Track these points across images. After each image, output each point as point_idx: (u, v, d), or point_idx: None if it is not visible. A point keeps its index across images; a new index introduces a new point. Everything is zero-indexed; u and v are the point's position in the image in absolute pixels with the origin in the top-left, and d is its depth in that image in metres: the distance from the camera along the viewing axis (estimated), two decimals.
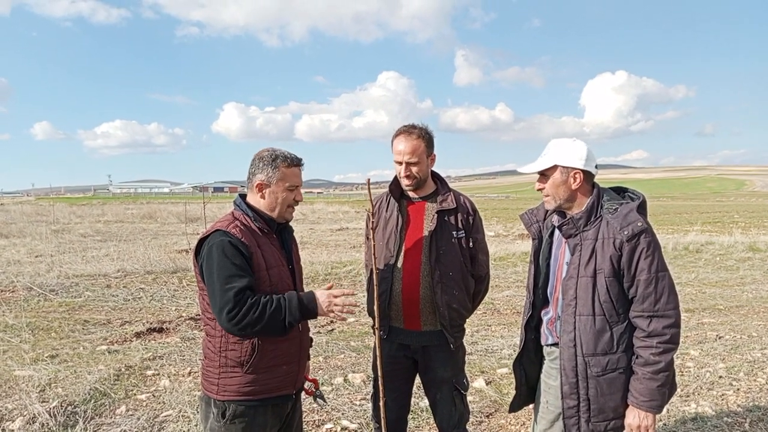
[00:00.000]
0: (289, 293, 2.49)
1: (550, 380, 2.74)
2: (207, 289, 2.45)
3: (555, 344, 2.69)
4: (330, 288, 2.57)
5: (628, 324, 2.51)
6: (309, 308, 2.48)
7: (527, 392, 2.92)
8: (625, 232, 2.43)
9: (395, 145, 3.07)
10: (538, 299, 2.77)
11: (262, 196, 2.60)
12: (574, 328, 2.53)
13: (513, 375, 2.97)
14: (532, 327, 2.82)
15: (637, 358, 2.48)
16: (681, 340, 6.77)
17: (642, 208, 2.55)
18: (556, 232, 2.70)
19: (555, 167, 2.57)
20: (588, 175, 2.58)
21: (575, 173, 2.55)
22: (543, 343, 2.79)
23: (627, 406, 2.53)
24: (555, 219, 2.71)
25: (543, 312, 2.78)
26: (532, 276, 2.79)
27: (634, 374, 2.49)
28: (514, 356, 2.84)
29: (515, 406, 2.99)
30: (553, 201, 2.61)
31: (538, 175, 2.64)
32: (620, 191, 2.69)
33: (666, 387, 2.48)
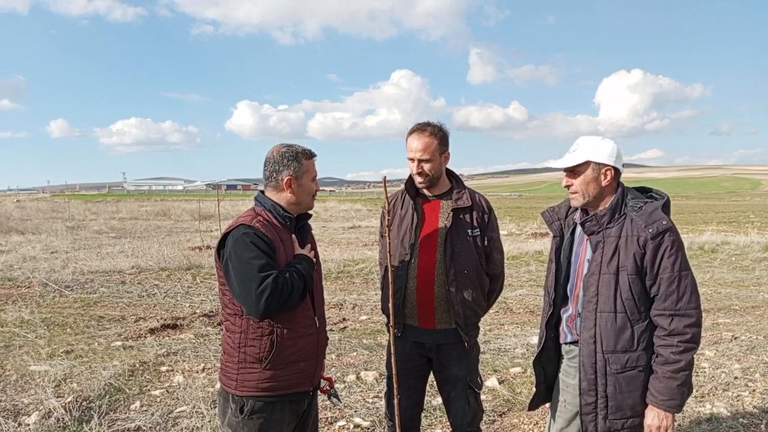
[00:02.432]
0: (298, 262, 2.57)
1: (569, 378, 2.73)
2: (235, 280, 2.44)
3: (574, 342, 2.68)
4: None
5: (648, 322, 2.50)
6: (310, 266, 2.61)
7: (545, 390, 2.91)
8: (650, 230, 2.42)
9: (408, 142, 3.08)
10: (558, 297, 2.75)
11: (292, 192, 2.64)
12: (595, 325, 2.52)
13: (526, 374, 2.97)
14: (552, 325, 2.80)
15: (657, 356, 2.47)
16: None
17: (666, 208, 2.55)
18: (578, 229, 2.69)
19: (587, 163, 2.54)
20: (617, 173, 2.58)
21: (607, 170, 2.54)
22: (562, 341, 2.77)
23: (645, 404, 2.52)
24: (577, 216, 2.69)
25: (562, 310, 2.76)
26: (552, 274, 2.76)
27: (654, 373, 2.48)
28: (528, 355, 2.84)
29: (534, 405, 2.98)
30: (582, 198, 2.58)
31: (564, 172, 2.62)
32: (644, 191, 2.69)
33: (686, 386, 2.47)
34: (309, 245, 2.73)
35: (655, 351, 2.48)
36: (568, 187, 2.61)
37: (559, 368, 2.84)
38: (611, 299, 2.49)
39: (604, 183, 2.55)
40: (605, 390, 2.52)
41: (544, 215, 2.86)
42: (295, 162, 2.63)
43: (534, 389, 2.99)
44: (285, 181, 2.62)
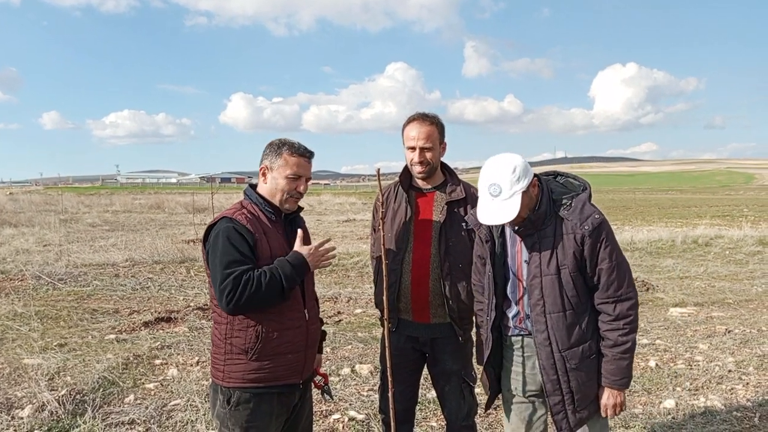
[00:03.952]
0: (278, 260, 2.51)
1: (517, 367, 2.74)
2: (211, 274, 2.49)
3: (521, 335, 2.70)
4: (302, 238, 2.65)
5: (590, 310, 2.59)
6: (304, 270, 2.55)
7: (497, 388, 2.89)
8: (587, 227, 2.48)
9: (408, 131, 3.05)
10: (500, 300, 2.73)
11: (265, 181, 2.66)
12: (547, 327, 2.56)
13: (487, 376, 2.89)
14: (496, 327, 2.78)
15: (605, 340, 2.57)
16: (690, 333, 6.72)
17: (590, 197, 2.61)
18: (507, 230, 2.69)
19: (528, 186, 2.47)
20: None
21: (533, 185, 2.51)
22: (508, 334, 2.76)
23: (599, 387, 2.61)
24: None
25: (507, 310, 2.74)
26: (491, 279, 2.71)
27: (605, 357, 2.58)
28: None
29: (490, 405, 3.00)
30: (524, 217, 2.53)
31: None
32: (555, 176, 2.74)
33: (632, 363, 2.59)
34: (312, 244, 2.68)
35: (603, 336, 2.58)
36: (513, 220, 2.49)
37: (500, 362, 2.84)
38: (558, 299, 2.54)
39: (534, 194, 2.53)
40: (569, 386, 2.57)
41: (470, 220, 2.77)
42: (273, 153, 2.62)
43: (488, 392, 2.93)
44: (260, 169, 2.66)
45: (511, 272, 2.69)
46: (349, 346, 6.39)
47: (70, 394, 4.73)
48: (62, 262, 11.78)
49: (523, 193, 2.44)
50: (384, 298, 2.82)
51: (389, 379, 2.85)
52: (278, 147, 2.62)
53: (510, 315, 2.73)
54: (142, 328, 7.10)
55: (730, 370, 5.42)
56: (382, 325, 2.97)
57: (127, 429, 4.28)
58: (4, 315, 7.62)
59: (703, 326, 7.12)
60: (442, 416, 3.39)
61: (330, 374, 5.39)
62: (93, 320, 7.54)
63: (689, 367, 5.52)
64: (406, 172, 3.16)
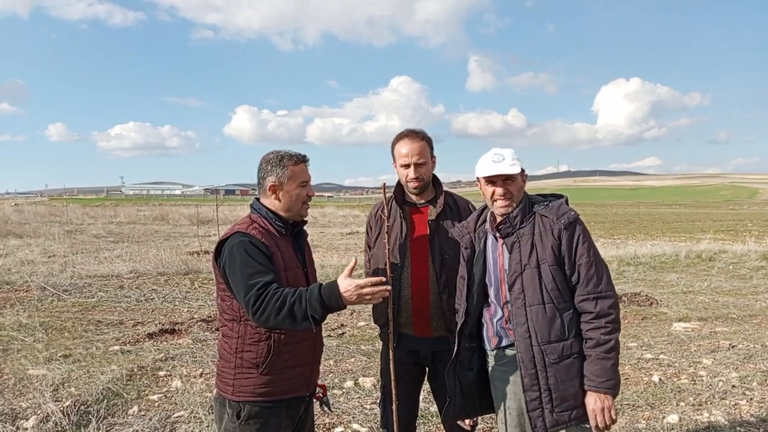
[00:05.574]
0: (311, 286, 2.42)
1: (503, 384, 2.75)
2: (233, 289, 2.47)
3: (507, 347, 2.71)
4: (353, 268, 2.45)
5: (574, 310, 2.61)
6: (331, 301, 2.36)
7: (462, 402, 2.85)
8: (563, 221, 2.59)
9: (399, 148, 3.11)
10: (471, 306, 2.76)
11: (277, 198, 2.65)
12: (527, 320, 2.59)
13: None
14: (466, 335, 2.80)
15: (587, 341, 2.57)
16: (694, 348, 6.69)
17: (567, 203, 2.72)
18: (489, 239, 2.76)
19: (522, 171, 2.68)
20: None
21: (525, 175, 2.72)
22: (493, 346, 2.77)
23: (585, 392, 2.58)
24: (488, 226, 2.77)
25: (489, 316, 2.77)
26: (465, 283, 2.78)
27: (588, 357, 2.57)
28: None
29: (448, 416, 2.90)
30: (514, 203, 2.67)
31: (495, 182, 2.66)
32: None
33: (617, 366, 2.58)
34: (355, 281, 2.42)
35: (585, 336, 2.58)
36: (504, 195, 2.65)
37: (475, 377, 2.83)
38: (537, 292, 2.58)
39: (522, 186, 2.71)
40: (547, 383, 2.57)
41: (455, 231, 2.91)
42: (278, 168, 2.62)
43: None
44: (269, 187, 2.64)
45: (493, 277, 2.74)
46: (353, 359, 6.40)
47: (74, 405, 4.75)
48: (67, 273, 11.82)
49: (520, 172, 2.64)
50: (388, 311, 2.84)
51: (393, 392, 2.85)
52: (279, 161, 2.63)
53: (495, 321, 2.75)
54: (146, 339, 7.12)
55: (733, 386, 5.40)
56: (382, 339, 2.97)
57: None
58: (9, 326, 7.65)
59: (707, 341, 7.10)
60: (444, 430, 3.40)
61: (333, 387, 5.40)
62: (97, 331, 7.57)
63: (693, 382, 5.51)
64: (399, 188, 3.21)
